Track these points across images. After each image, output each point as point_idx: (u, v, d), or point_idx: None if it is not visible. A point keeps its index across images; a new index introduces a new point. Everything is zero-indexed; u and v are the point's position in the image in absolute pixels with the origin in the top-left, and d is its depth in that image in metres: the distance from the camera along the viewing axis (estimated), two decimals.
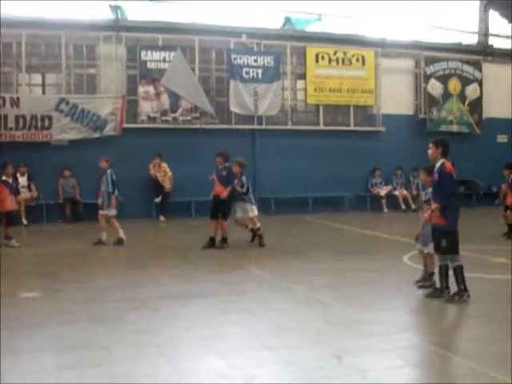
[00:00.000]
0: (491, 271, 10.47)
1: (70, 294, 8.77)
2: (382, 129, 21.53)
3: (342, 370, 5.84)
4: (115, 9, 19.58)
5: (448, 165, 8.26)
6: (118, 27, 19.15)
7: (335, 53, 21.05)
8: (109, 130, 18.67)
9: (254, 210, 13.71)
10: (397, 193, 21.13)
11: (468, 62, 23.18)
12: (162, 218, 18.53)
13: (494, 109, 23.40)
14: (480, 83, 23.24)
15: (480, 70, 23.30)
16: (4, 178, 13.78)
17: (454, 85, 22.85)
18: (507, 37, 24.52)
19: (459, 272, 8.27)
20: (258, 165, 19.96)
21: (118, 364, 5.83)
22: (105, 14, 19.46)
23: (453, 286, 8.36)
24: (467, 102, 22.98)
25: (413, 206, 20.06)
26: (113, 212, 13.58)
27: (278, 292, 9.17)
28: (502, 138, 24.03)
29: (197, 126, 19.43)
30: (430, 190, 8.80)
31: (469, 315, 8.12)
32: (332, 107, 21.28)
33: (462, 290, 8.26)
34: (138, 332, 6.86)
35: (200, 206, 18.88)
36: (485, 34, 24.02)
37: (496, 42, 24.43)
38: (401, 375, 5.75)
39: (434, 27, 23.20)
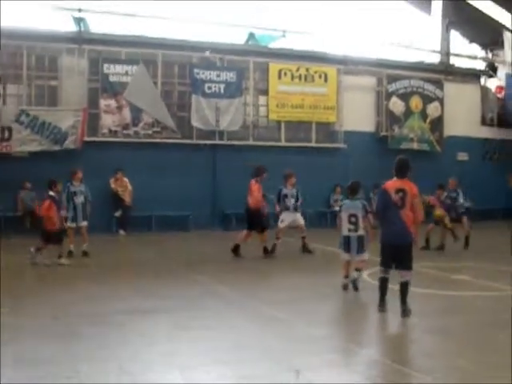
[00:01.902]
0: (450, 288, 11.26)
1: (34, 309, 9.32)
2: (344, 145, 22.59)
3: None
4: (78, 21, 20.34)
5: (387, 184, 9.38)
6: (81, 39, 19.89)
7: (298, 69, 22.07)
8: (69, 143, 19.34)
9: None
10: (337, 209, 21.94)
11: (429, 81, 24.43)
12: (121, 232, 19.15)
13: (454, 127, 24.67)
14: (441, 102, 24.49)
15: (441, 88, 24.55)
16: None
17: (416, 103, 24.06)
18: (468, 56, 25.93)
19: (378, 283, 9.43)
20: (218, 180, 20.89)
21: (85, 379, 6.19)
22: (68, 26, 20.19)
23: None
24: (428, 120, 24.23)
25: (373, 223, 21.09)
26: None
27: (237, 308, 9.63)
28: (462, 156, 25.33)
29: (158, 141, 20.23)
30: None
31: (424, 330, 8.56)
32: (294, 123, 22.28)
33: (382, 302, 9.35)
34: (100, 347, 7.27)
35: (160, 221, 19.76)
36: (446, 53, 25.36)
37: (457, 62, 25.83)
38: None
39: (397, 45, 24.50)
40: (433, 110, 24.37)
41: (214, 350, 7.31)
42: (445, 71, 25.15)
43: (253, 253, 15.80)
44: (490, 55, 27.07)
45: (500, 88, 26.63)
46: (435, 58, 25.66)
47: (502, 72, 26.71)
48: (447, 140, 24.61)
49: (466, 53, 26.26)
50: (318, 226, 21.56)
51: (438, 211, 16.36)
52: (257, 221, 14.86)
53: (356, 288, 10.65)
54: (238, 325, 8.62)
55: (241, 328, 8.44)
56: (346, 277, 10.80)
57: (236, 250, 14.84)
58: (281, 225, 15.43)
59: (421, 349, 7.78)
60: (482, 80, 26.68)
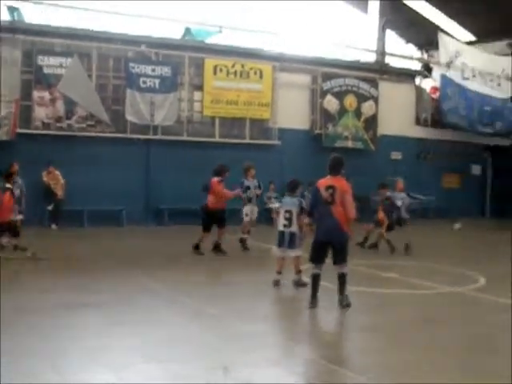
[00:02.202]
0: (380, 285, 11.86)
1: None
2: (278, 142, 23.39)
3: (229, 382, 6.33)
4: (12, 10, 20.66)
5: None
6: (15, 29, 20.12)
7: (233, 65, 22.76)
8: (2, 134, 19.61)
9: None
10: (271, 206, 21.97)
11: (365, 80, 25.41)
12: (53, 226, 19.55)
13: (388, 126, 25.72)
14: (376, 100, 25.51)
15: (376, 87, 25.58)
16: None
17: (350, 101, 25.04)
18: (403, 56, 27.13)
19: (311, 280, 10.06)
20: (152, 175, 21.51)
21: (14, 377, 6.20)
22: (1, 15, 20.25)
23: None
24: (363, 118, 25.23)
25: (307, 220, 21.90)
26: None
27: (170, 304, 9.81)
28: (396, 155, 26.46)
29: (92, 134, 20.63)
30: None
31: (355, 328, 9.04)
32: (228, 119, 22.98)
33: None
34: (30, 341, 7.38)
35: (93, 215, 20.31)
36: (382, 52, 26.50)
37: (393, 61, 27.01)
38: None
39: (333, 44, 25.51)
40: (367, 108, 25.37)
41: (145, 346, 7.46)
42: (380, 70, 26.17)
43: (190, 249, 15.93)
44: (425, 56, 28.29)
45: (434, 89, 27.78)
46: (371, 58, 26.69)
47: (436, 73, 27.82)
48: (381, 139, 25.62)
49: (402, 53, 27.41)
50: None
51: (380, 215, 16.75)
52: (215, 221, 15.16)
53: (301, 285, 11.18)
54: (171, 321, 8.82)
55: (173, 324, 8.63)
56: (279, 273, 11.41)
57: (196, 247, 15.16)
58: (246, 218, 16.03)
59: (353, 346, 8.22)
60: (417, 80, 27.84)
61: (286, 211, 11.39)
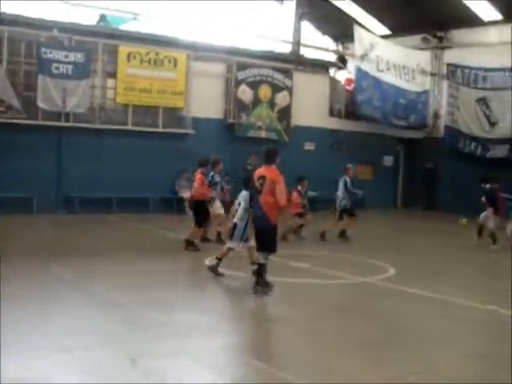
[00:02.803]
0: (292, 275, 12.70)
1: None
2: (192, 131, 24.53)
3: (137, 373, 6.67)
4: None
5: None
6: None
7: (147, 53, 23.70)
8: None
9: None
10: (183, 195, 23.18)
11: (279, 70, 26.75)
12: None
13: (302, 117, 27.22)
14: (290, 91, 26.96)
15: (291, 78, 26.99)
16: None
17: (265, 91, 26.44)
18: (319, 48, 28.86)
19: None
20: (63, 163, 22.31)
21: None
22: None
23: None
24: (276, 109, 26.63)
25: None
26: None
27: (78, 293, 10.21)
28: (309, 146, 28.16)
29: (2, 121, 21.12)
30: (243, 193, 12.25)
31: (266, 317, 9.87)
32: (141, 107, 23.90)
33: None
34: None
35: (1, 203, 20.79)
36: (297, 43, 28.12)
37: (308, 53, 28.71)
38: (200, 377, 6.81)
39: (248, 34, 27.00)
40: (281, 99, 26.76)
41: (53, 334, 7.79)
42: (295, 61, 27.51)
43: (100, 237, 16.89)
44: (340, 48, 30.07)
45: (349, 80, 29.34)
46: (286, 48, 28.19)
47: (351, 65, 29.65)
48: (295, 129, 27.05)
49: (317, 44, 29.06)
50: (162, 211, 23.44)
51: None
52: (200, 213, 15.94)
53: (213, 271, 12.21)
54: (80, 310, 9.17)
55: (82, 313, 9.00)
56: (219, 259, 12.22)
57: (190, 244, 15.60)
58: (221, 211, 16.84)
59: (263, 335, 8.88)
60: (332, 72, 29.64)
61: (239, 203, 12.29)
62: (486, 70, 29.91)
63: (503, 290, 12.19)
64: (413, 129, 31.45)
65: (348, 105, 29.49)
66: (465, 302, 11.35)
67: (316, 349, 8.12)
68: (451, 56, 31.47)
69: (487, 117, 30.57)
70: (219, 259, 12.24)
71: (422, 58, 31.38)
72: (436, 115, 32.23)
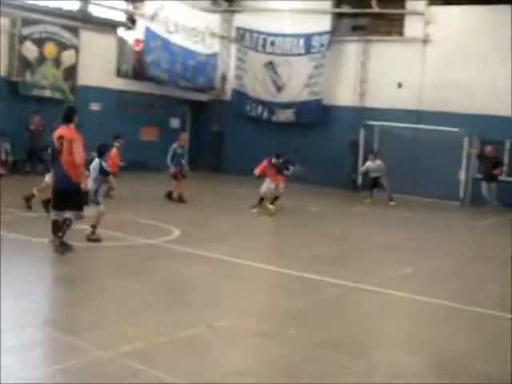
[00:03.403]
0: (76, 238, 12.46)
1: None
2: None
3: None
4: None
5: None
6: None
7: None
8: None
9: None
10: None
11: (66, 28, 27.37)
12: None
13: (89, 76, 28.11)
14: (77, 50, 27.70)
15: (78, 36, 27.76)
16: None
17: (50, 49, 26.86)
18: (108, 7, 29.85)
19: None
20: None
21: None
22: None
23: None
24: (62, 67, 27.30)
25: (1, 171, 23.75)
26: None
27: None
28: (95, 106, 29.02)
29: None
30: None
31: (53, 279, 10.59)
32: None
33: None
34: None
35: None
36: (86, 1, 29.06)
37: (97, 11, 29.63)
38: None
39: None
40: (67, 57, 27.39)
41: None
42: (82, 19, 28.23)
43: None
44: (130, 7, 31.19)
45: (138, 41, 30.29)
46: (74, 5, 28.99)
47: (141, 25, 30.95)
48: (81, 89, 27.84)
49: (107, 3, 29.98)
50: None
51: None
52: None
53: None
54: None
55: None
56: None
57: None
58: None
59: (49, 298, 9.48)
60: (121, 32, 30.75)
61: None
62: (276, 35, 32.33)
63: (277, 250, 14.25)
64: (201, 91, 33.28)
65: (136, 66, 30.52)
66: (244, 261, 12.84)
67: (97, 313, 8.64)
68: (241, 20, 33.70)
69: (274, 81, 33.14)
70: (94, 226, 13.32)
71: (212, 21, 33.25)
72: (224, 78, 34.35)
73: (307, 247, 15.54)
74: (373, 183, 25.63)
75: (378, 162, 25.43)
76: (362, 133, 29.48)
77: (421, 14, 29.28)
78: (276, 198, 20.26)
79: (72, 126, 11.97)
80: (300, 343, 8.21)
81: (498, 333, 9.35)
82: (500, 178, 25.88)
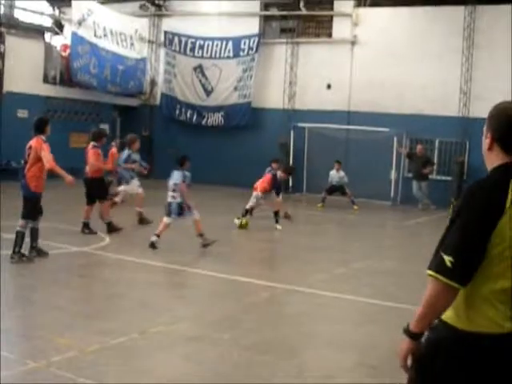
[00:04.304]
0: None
1: None
2: None
3: None
4: None
5: None
6: None
7: None
8: None
9: None
10: None
11: None
12: None
13: (15, 83, 27.72)
14: (2, 56, 27.26)
15: (3, 42, 27.29)
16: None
17: None
18: (34, 12, 29.61)
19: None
20: None
21: None
22: None
23: None
24: None
25: None
26: None
27: None
28: (22, 113, 28.54)
29: None
30: None
31: None
32: None
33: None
34: None
35: None
36: (11, 6, 28.79)
37: (22, 16, 29.38)
38: None
39: None
40: None
41: None
42: (8, 24, 27.92)
43: None
44: (57, 12, 30.99)
45: (65, 46, 30.15)
46: None
47: (68, 30, 30.78)
48: (7, 96, 27.49)
49: (33, 8, 29.79)
50: None
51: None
52: (97, 191, 16.27)
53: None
54: None
55: None
56: (158, 236, 14.13)
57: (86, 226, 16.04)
58: (140, 190, 18.03)
59: None
60: (47, 37, 30.54)
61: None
62: (204, 38, 32.43)
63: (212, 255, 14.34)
64: (130, 96, 33.23)
65: (64, 71, 30.30)
66: (178, 267, 13.01)
67: (27, 324, 8.79)
68: (169, 24, 33.71)
69: (203, 85, 33.25)
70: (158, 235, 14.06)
71: (140, 25, 33.23)
72: (153, 82, 34.34)
73: (240, 251, 15.61)
74: (331, 190, 25.49)
75: (342, 174, 25.37)
76: (291, 135, 29.64)
77: (349, 15, 29.53)
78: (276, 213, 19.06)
79: (43, 136, 12.27)
80: (232, 347, 8.30)
81: None
82: (430, 176, 26.27)
